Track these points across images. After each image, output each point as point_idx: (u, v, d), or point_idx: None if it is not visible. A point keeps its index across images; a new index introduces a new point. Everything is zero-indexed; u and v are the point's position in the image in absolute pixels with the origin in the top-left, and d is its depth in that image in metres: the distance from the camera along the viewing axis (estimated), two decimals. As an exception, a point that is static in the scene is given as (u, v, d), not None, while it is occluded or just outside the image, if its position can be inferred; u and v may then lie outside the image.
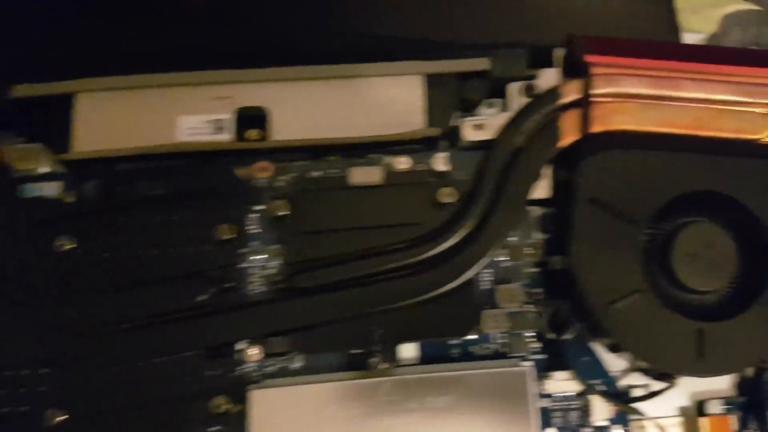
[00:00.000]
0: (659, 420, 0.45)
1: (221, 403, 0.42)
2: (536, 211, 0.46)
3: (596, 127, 0.45)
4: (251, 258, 0.45)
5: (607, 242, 0.43)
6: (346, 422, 0.41)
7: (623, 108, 0.45)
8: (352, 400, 0.42)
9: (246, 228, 0.46)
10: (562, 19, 0.53)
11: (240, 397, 0.42)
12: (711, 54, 0.48)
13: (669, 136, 0.45)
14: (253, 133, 0.47)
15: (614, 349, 0.44)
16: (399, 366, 0.43)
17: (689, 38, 0.54)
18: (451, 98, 0.48)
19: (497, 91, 0.48)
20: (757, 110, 0.46)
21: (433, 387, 0.42)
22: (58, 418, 0.42)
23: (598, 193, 0.43)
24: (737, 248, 0.43)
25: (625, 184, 0.44)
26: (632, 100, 0.45)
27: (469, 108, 0.49)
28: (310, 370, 0.44)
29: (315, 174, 0.47)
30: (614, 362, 0.45)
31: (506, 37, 0.48)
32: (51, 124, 0.46)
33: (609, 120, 0.45)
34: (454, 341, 0.45)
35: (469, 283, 0.44)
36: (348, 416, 0.41)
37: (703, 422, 0.44)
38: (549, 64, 0.48)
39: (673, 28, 0.54)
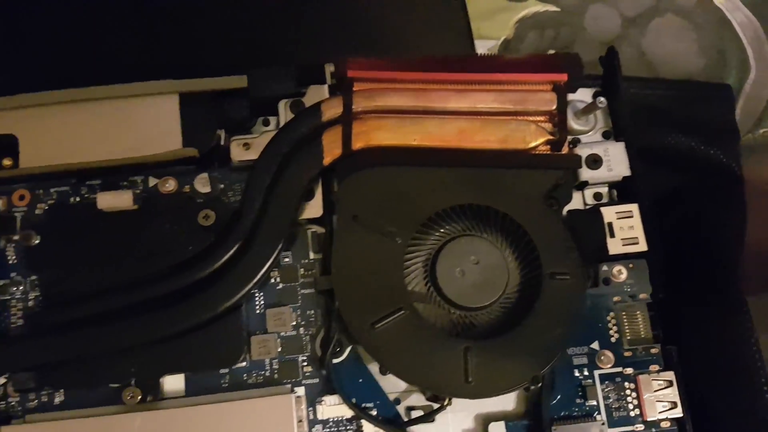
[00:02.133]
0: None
1: None
2: (312, 230, 0.45)
3: (358, 144, 0.43)
4: (11, 289, 0.43)
5: (369, 261, 0.42)
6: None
7: (383, 124, 0.44)
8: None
9: (6, 258, 0.44)
10: (355, 36, 0.53)
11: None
12: (483, 63, 0.47)
13: (429, 151, 0.44)
14: (7, 161, 0.44)
15: (382, 370, 0.42)
16: (164, 399, 0.42)
17: (483, 45, 0.54)
18: (210, 117, 0.46)
19: (270, 109, 0.46)
20: (529, 118, 0.45)
21: (197, 418, 0.40)
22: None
23: (358, 210, 0.42)
24: (508, 263, 0.43)
25: (386, 200, 0.43)
26: (393, 115, 0.44)
27: (239, 127, 0.46)
28: (72, 406, 0.42)
29: (72, 200, 0.45)
30: (394, 383, 0.43)
31: (279, 55, 0.48)
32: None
33: (370, 136, 0.44)
34: (224, 371, 0.43)
35: (238, 308, 0.43)
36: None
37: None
38: (322, 81, 0.46)
39: (467, 36, 0.54)
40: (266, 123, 0.47)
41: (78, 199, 0.45)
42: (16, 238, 0.44)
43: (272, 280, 0.44)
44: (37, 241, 0.43)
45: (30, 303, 0.43)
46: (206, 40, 0.52)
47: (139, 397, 0.41)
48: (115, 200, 0.43)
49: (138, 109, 0.45)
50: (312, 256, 0.45)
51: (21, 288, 0.44)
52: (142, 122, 0.45)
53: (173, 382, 0.42)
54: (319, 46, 0.53)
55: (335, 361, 0.43)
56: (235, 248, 0.43)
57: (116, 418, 0.40)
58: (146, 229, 0.43)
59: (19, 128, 0.45)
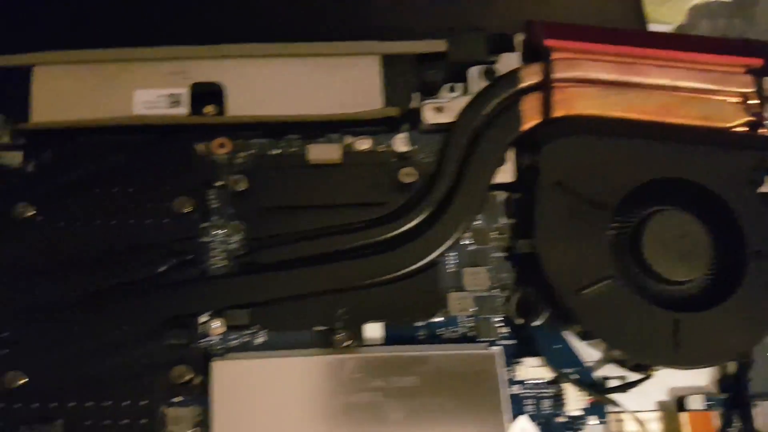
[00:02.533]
0: (638, 414, 0.42)
1: (183, 373, 0.40)
2: (501, 195, 0.46)
3: (559, 111, 0.44)
4: (212, 232, 0.44)
5: (573, 228, 0.42)
6: (309, 397, 0.40)
7: (586, 93, 0.45)
8: (317, 376, 0.40)
9: (207, 203, 0.45)
10: (528, 7, 0.54)
11: (203, 369, 0.41)
12: (677, 41, 0.48)
13: (634, 123, 0.45)
14: (210, 109, 0.46)
15: (585, 336, 0.43)
16: (363, 345, 0.42)
17: (656, 29, 0.54)
18: (410, 80, 0.47)
19: (458, 75, 0.47)
20: (727, 99, 0.46)
21: (399, 366, 0.41)
22: (19, 381, 0.40)
23: (562, 176, 0.43)
24: (711, 238, 0.43)
25: (590, 169, 0.43)
26: (594, 85, 0.45)
27: (430, 91, 0.48)
28: (272, 347, 0.43)
29: (274, 152, 0.46)
30: (586, 351, 0.44)
31: (469, 22, 0.49)
32: (10, 95, 0.45)
33: (571, 104, 0.45)
34: (420, 323, 0.44)
35: (434, 265, 0.44)
36: (311, 392, 0.40)
37: (684, 418, 0.42)
38: (510, 49, 0.47)
39: (640, 19, 0.55)
40: (451, 89, 0.48)
41: (279, 151, 0.46)
42: (217, 184, 0.45)
43: (465, 242, 0.45)
44: (243, 187, 0.44)
45: (231, 246, 0.44)
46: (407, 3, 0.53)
47: (347, 342, 0.42)
48: (325, 153, 0.44)
49: (341, 68, 0.47)
50: (502, 220, 0.45)
51: (223, 231, 0.44)
52: (345, 81, 0.46)
53: (372, 330, 0.43)
54: (485, 16, 0.54)
55: (533, 324, 0.43)
56: (433, 207, 0.44)
57: (326, 359, 0.41)
58: (348, 183, 0.44)
59: (226, 77, 0.46)
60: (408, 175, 0.44)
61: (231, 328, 0.42)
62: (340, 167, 0.45)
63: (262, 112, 0.45)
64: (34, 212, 0.43)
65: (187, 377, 0.41)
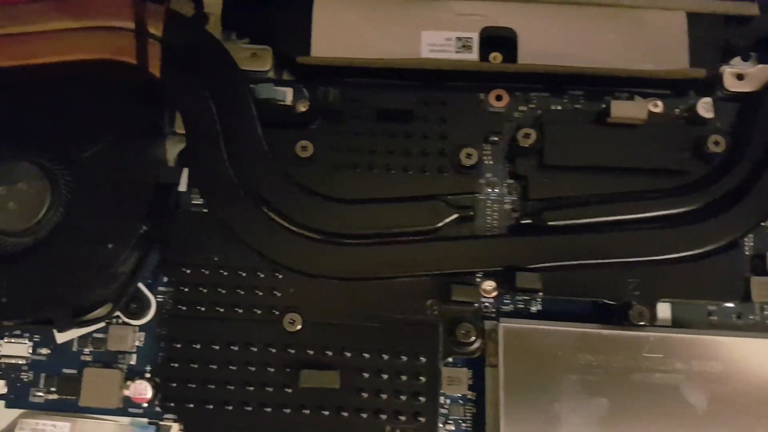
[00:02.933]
0: None
1: (468, 331, 0.39)
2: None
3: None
4: (489, 189, 0.42)
5: None
6: (601, 372, 0.38)
7: None
8: (610, 351, 0.38)
9: (485, 157, 0.42)
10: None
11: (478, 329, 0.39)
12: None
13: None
14: (497, 56, 0.43)
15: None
16: (656, 325, 0.39)
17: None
18: (716, 41, 0.42)
19: (763, 42, 0.43)
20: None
21: (702, 349, 0.38)
22: (297, 326, 0.39)
23: None
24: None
25: None
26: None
27: (731, 56, 0.43)
28: (547, 317, 0.40)
29: (559, 107, 0.43)
30: None
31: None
32: (290, 28, 0.43)
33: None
34: (713, 306, 0.40)
35: (734, 246, 0.40)
36: (604, 366, 0.38)
37: None
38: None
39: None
40: (746, 58, 0.43)
41: (559, 107, 0.43)
42: (494, 139, 0.42)
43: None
44: (528, 143, 0.40)
45: (506, 206, 0.42)
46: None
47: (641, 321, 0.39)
48: (629, 110, 0.40)
49: (644, 22, 0.42)
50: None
51: (495, 190, 0.42)
52: (646, 35, 0.42)
53: (661, 310, 0.40)
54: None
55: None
56: (738, 181, 0.40)
57: (623, 335, 0.38)
58: (646, 146, 0.40)
59: (519, 23, 0.42)
60: (716, 143, 0.40)
61: (519, 290, 0.39)
62: (635, 128, 0.41)
63: (553, 62, 0.41)
64: (312, 152, 0.41)
65: (472, 337, 0.39)
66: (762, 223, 0.41)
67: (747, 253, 0.41)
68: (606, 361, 0.38)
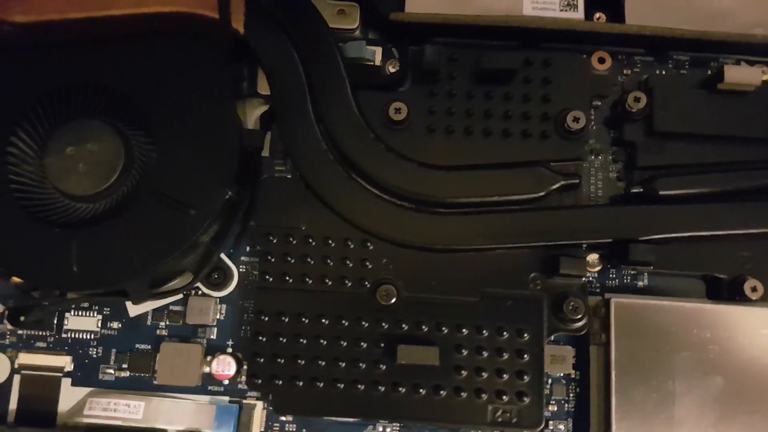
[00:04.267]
0: None
1: (579, 306, 0.36)
2: None
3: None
4: (593, 156, 0.40)
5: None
6: (715, 349, 0.36)
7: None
8: (724, 328, 0.36)
9: (592, 122, 0.40)
10: None
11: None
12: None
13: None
14: (601, 16, 0.40)
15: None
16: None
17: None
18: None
19: None
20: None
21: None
22: (392, 299, 0.37)
23: None
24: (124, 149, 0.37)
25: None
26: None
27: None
28: (655, 291, 0.39)
29: (663, 71, 0.40)
30: None
31: None
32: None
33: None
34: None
35: None
36: (718, 343, 0.36)
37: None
38: None
39: None
40: None
41: (664, 72, 0.41)
42: (597, 103, 0.40)
43: None
44: (639, 107, 0.38)
45: (611, 174, 0.40)
46: None
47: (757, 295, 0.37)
48: (744, 75, 0.38)
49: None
50: None
51: (600, 157, 0.40)
52: (756, -2, 0.41)
53: None
54: None
55: None
56: None
57: (738, 309, 0.36)
58: (759, 113, 0.38)
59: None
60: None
61: (630, 263, 0.37)
62: (746, 95, 0.39)
63: (667, 24, 0.39)
64: (406, 115, 0.38)
65: (581, 312, 0.36)
66: None
67: None
68: (720, 337, 0.36)
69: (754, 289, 0.37)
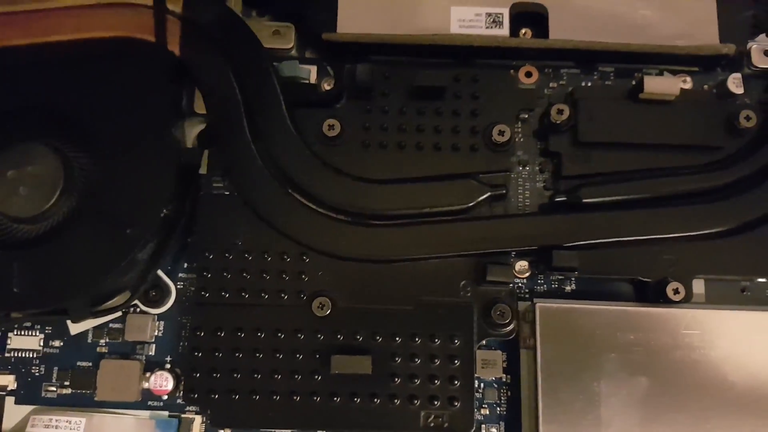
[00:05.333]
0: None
1: (505, 312, 0.37)
2: None
3: None
4: (520, 168, 0.41)
5: None
6: (640, 350, 0.37)
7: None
8: (649, 329, 0.37)
9: (517, 134, 0.42)
10: None
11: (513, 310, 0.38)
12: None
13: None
14: (527, 32, 0.42)
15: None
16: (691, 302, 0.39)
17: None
18: (745, 17, 0.42)
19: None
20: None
21: (740, 325, 0.37)
22: (327, 311, 0.38)
23: None
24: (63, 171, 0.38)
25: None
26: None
27: (759, 32, 0.43)
28: (583, 295, 0.40)
29: (589, 83, 0.42)
30: None
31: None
32: (314, 6, 0.42)
33: None
34: (746, 282, 0.40)
35: (768, 219, 0.40)
36: (643, 344, 0.37)
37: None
38: None
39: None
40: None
41: (589, 84, 0.42)
42: (524, 116, 0.41)
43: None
44: (561, 119, 0.39)
45: (538, 184, 0.41)
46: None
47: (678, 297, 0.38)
48: (662, 86, 0.39)
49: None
50: None
51: (527, 168, 0.41)
52: (676, 12, 0.42)
53: (695, 286, 0.39)
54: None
55: None
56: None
57: (659, 312, 0.37)
58: (680, 122, 0.40)
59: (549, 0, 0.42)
60: (747, 118, 0.40)
61: (554, 269, 0.38)
62: (667, 104, 0.40)
63: (582, 38, 0.41)
64: (340, 131, 0.40)
65: (508, 318, 0.38)
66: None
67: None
68: (645, 339, 0.38)
69: (676, 291, 0.38)
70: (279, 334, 0.38)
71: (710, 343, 0.37)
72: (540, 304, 0.38)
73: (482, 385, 0.40)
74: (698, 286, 0.40)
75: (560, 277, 0.40)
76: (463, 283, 0.39)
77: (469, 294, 0.39)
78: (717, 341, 0.37)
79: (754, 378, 0.37)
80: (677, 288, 0.38)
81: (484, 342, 0.39)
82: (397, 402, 0.37)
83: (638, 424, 0.37)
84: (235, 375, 0.38)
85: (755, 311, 0.38)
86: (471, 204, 0.39)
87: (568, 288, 0.40)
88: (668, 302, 0.38)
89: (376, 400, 0.37)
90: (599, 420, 0.37)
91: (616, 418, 0.37)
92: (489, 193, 0.39)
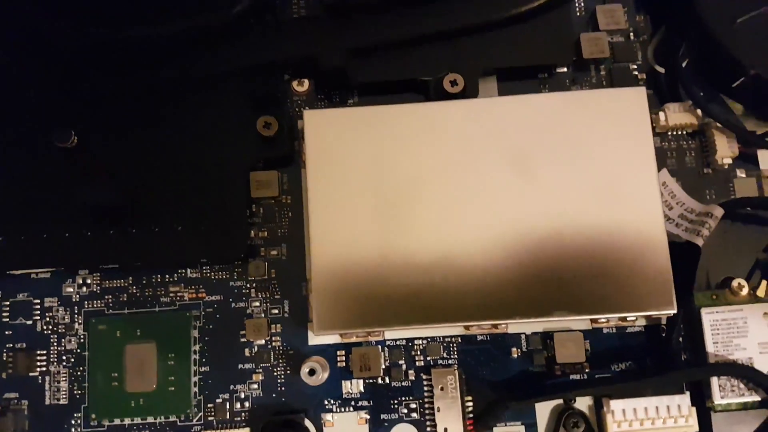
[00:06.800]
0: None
1: (270, 123, 0.35)
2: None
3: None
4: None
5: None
6: (412, 143, 0.33)
7: None
8: (422, 123, 0.33)
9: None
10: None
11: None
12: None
13: None
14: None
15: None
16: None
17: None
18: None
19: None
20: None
21: (540, 109, 0.33)
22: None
23: None
24: None
25: None
26: None
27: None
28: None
29: None
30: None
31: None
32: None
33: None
34: (543, 75, 0.37)
35: (564, 2, 0.36)
36: (414, 138, 0.33)
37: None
38: None
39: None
40: None
41: None
42: None
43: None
44: None
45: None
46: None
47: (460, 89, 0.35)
48: None
49: None
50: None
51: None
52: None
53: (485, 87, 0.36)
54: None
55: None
56: None
57: (431, 105, 0.34)
58: None
59: None
60: None
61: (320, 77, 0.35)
62: None
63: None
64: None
65: (275, 129, 0.35)
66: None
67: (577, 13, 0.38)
68: (416, 131, 0.33)
69: (454, 83, 0.35)
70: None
71: (505, 126, 0.33)
72: (306, 111, 0.34)
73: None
74: (489, 88, 0.36)
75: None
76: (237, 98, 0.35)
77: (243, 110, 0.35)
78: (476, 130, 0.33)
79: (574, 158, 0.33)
80: (455, 79, 0.35)
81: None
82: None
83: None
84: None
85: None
86: (234, 12, 0.34)
87: (351, 101, 0.37)
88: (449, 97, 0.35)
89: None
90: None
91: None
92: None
